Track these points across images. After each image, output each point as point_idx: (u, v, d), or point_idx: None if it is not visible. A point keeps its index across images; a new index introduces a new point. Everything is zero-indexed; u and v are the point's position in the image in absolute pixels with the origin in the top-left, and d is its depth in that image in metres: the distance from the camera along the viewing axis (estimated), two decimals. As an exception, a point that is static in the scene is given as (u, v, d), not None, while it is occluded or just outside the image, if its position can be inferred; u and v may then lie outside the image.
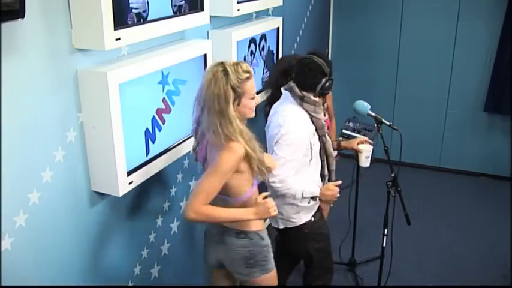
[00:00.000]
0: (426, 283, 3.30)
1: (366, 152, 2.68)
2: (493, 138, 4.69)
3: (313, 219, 2.50)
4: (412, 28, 4.67)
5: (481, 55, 4.51)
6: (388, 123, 2.66)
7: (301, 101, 2.38)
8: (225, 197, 2.00)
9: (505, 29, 4.26)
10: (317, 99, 2.39)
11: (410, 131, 4.31)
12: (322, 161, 2.49)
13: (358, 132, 3.30)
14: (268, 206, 1.96)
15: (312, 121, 2.40)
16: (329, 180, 2.54)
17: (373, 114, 2.66)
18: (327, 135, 2.49)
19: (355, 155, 2.76)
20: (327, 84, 2.37)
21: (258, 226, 2.11)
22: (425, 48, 4.66)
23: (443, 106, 4.78)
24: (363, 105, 2.69)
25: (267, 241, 2.15)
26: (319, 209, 2.55)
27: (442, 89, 4.74)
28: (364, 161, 2.70)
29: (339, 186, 2.45)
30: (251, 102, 1.95)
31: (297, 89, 2.38)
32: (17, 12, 1.33)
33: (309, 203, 2.45)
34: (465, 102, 4.68)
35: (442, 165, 4.95)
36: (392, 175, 2.57)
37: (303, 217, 2.47)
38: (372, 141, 2.76)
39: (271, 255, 2.17)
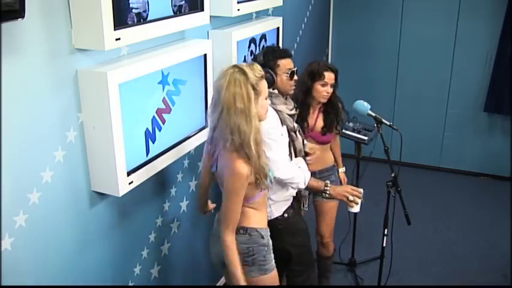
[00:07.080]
0: (426, 283, 3.30)
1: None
2: (493, 138, 4.69)
3: (286, 215, 2.46)
4: (412, 28, 4.67)
5: (481, 55, 4.51)
6: (388, 123, 2.66)
7: None
8: None
9: (505, 28, 4.26)
10: (273, 90, 2.40)
11: (410, 131, 4.32)
12: (289, 154, 2.48)
13: (358, 132, 3.29)
14: None
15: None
16: None
17: (373, 114, 2.66)
18: (298, 133, 2.50)
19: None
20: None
21: (259, 223, 2.08)
22: (425, 48, 4.66)
23: (443, 106, 4.78)
24: (363, 105, 2.69)
25: (267, 241, 2.11)
26: (293, 205, 2.52)
27: (442, 88, 4.74)
28: (356, 208, 2.51)
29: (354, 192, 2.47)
30: (266, 103, 1.97)
31: None
32: (17, 12, 1.33)
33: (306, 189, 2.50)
34: (465, 102, 4.68)
35: (442, 165, 4.95)
36: (392, 175, 2.57)
37: (274, 212, 2.43)
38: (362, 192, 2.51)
39: (271, 256, 2.13)
